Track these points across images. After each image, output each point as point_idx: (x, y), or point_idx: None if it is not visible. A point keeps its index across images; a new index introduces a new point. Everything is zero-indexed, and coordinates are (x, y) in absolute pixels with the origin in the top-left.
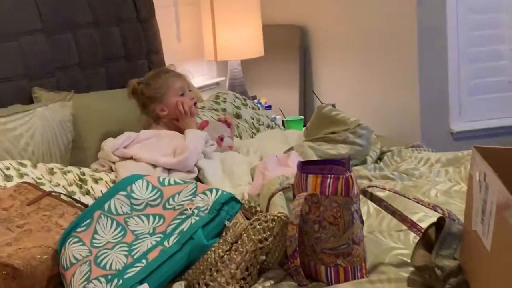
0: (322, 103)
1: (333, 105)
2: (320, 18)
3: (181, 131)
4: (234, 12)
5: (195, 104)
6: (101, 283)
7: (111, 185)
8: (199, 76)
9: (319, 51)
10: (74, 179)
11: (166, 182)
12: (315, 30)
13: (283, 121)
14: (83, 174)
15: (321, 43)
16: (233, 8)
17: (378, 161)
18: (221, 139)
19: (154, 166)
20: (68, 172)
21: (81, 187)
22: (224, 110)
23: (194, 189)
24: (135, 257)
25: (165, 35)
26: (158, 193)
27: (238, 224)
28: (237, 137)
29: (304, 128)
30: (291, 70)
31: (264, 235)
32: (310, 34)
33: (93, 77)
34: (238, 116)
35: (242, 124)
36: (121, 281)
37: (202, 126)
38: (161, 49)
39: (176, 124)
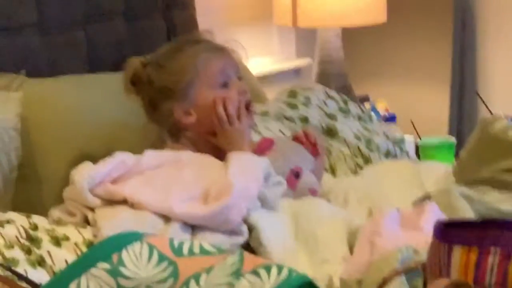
0: (492, 114)
1: None
2: None
3: (220, 154)
4: None
5: (249, 105)
6: None
7: (85, 250)
8: (263, 56)
9: (490, 13)
10: (17, 237)
11: (185, 250)
12: None
13: (417, 146)
14: (35, 227)
15: (493, 4)
16: None
17: None
18: (297, 174)
19: (167, 218)
20: (8, 223)
21: (29, 252)
22: (305, 120)
23: (238, 264)
24: None
25: None
26: (170, 269)
27: None
28: (327, 171)
29: (455, 160)
30: (437, 53)
31: None
32: None
33: (63, 49)
34: (331, 132)
35: (337, 148)
36: None
37: (263, 148)
38: (191, 0)
39: (212, 141)
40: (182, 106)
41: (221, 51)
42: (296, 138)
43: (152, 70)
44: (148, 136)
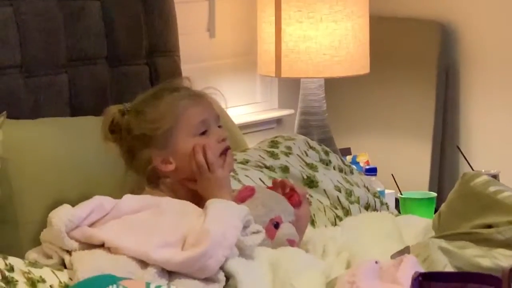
0: (472, 169)
1: (494, 176)
2: (476, 10)
3: (199, 201)
4: None
5: (226, 150)
6: None
7: None
8: (246, 105)
9: (474, 69)
10: None
11: None
12: (467, 31)
13: (397, 200)
14: (11, 269)
15: (478, 56)
16: None
17: None
18: (276, 224)
19: (144, 263)
20: None
21: None
22: (286, 169)
23: None
24: None
25: (186, 23)
26: None
27: None
28: (311, 222)
29: (435, 214)
30: (420, 107)
31: None
32: (457, 38)
33: (45, 91)
34: (311, 183)
35: (317, 200)
36: None
37: (243, 196)
38: (176, 46)
39: (192, 188)
40: (161, 154)
41: (200, 98)
42: (273, 186)
43: (131, 117)
44: (127, 184)
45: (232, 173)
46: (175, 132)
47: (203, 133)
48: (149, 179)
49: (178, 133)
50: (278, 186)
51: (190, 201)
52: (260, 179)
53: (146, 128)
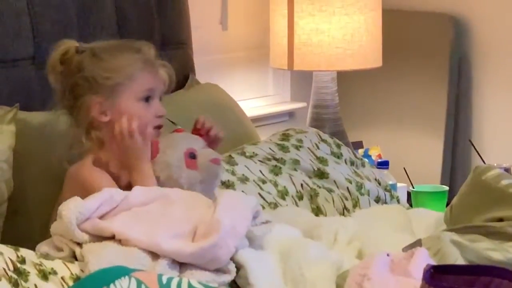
0: (484, 163)
1: (506, 169)
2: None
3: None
4: None
5: (158, 127)
6: None
7: (71, 284)
8: (258, 98)
9: (486, 62)
10: (5, 269)
11: (174, 286)
12: (480, 24)
13: (409, 193)
14: (23, 261)
15: (490, 49)
16: None
17: None
18: (192, 155)
19: (155, 255)
20: None
21: (16, 285)
22: (296, 162)
23: None
24: None
25: (199, 16)
26: None
27: None
28: (313, 212)
29: (447, 208)
30: (432, 100)
31: None
32: (469, 31)
33: None
34: (322, 175)
35: (326, 189)
36: None
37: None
38: (189, 39)
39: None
40: (102, 104)
41: (155, 66)
42: (194, 130)
43: (86, 57)
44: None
45: (230, 166)
46: (122, 88)
47: (146, 100)
48: (85, 130)
49: (125, 91)
50: (199, 128)
51: (113, 162)
52: (260, 171)
53: (98, 74)
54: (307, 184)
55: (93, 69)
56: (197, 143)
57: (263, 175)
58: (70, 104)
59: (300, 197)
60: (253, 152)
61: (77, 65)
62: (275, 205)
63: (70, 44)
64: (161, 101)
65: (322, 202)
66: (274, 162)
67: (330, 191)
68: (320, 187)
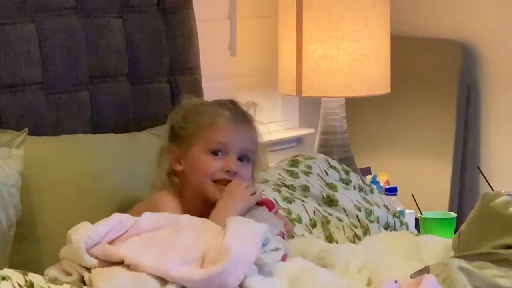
0: (492, 190)
1: None
2: (496, 30)
3: (206, 209)
4: (338, 13)
5: (223, 181)
6: None
7: None
8: (266, 124)
9: (495, 89)
10: None
11: None
12: (488, 51)
13: (417, 219)
14: (31, 285)
15: (498, 75)
16: (338, 5)
17: None
18: (282, 234)
19: (163, 281)
20: (4, 279)
21: None
22: (306, 189)
23: None
24: None
25: (208, 42)
26: None
27: None
28: (325, 240)
29: (455, 234)
30: (440, 126)
31: None
32: (478, 58)
33: (67, 108)
34: (331, 202)
35: (336, 217)
36: None
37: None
38: (197, 65)
39: (197, 196)
40: (177, 152)
41: (241, 124)
42: (264, 202)
43: (186, 112)
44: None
45: None
46: (194, 139)
47: (219, 153)
48: (167, 175)
49: (196, 143)
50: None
51: (196, 208)
52: (274, 198)
53: (179, 125)
54: (319, 211)
55: (178, 120)
56: (275, 228)
57: (277, 203)
58: (162, 149)
59: (314, 225)
60: (263, 178)
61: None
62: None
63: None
64: (243, 162)
65: (333, 229)
66: (285, 189)
67: (340, 220)
68: (330, 215)
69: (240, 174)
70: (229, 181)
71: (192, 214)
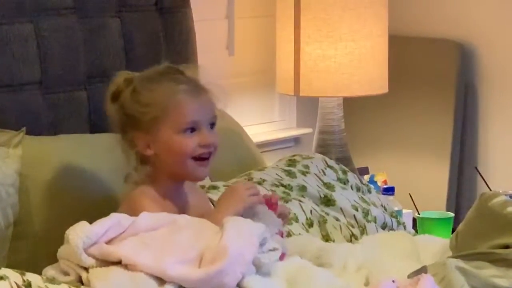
0: (490, 190)
1: None
2: (494, 30)
3: (178, 192)
4: (336, 13)
5: (203, 157)
6: None
7: None
8: (264, 124)
9: (492, 89)
10: None
11: None
12: (486, 51)
13: (414, 219)
14: (28, 285)
15: (496, 75)
16: (335, 5)
17: None
18: (281, 233)
19: (161, 281)
20: (1, 279)
21: None
22: (303, 189)
23: None
24: None
25: (205, 41)
26: None
27: None
28: (322, 239)
29: (452, 234)
30: (438, 126)
31: None
32: (476, 58)
33: (65, 107)
34: (328, 202)
35: (333, 217)
36: None
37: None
38: (195, 63)
39: (172, 173)
40: (144, 138)
41: (198, 94)
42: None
43: (127, 94)
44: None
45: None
46: (161, 122)
47: (191, 130)
48: (140, 160)
49: (163, 125)
50: (269, 200)
51: (169, 193)
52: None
53: (136, 110)
54: (316, 211)
55: (131, 107)
56: (273, 227)
57: None
58: (121, 141)
59: (310, 224)
60: (260, 178)
61: (121, 104)
62: (288, 234)
63: (121, 78)
64: (213, 129)
65: (331, 229)
66: (282, 189)
67: (337, 219)
68: (328, 215)
69: (214, 143)
70: (209, 154)
71: (168, 198)
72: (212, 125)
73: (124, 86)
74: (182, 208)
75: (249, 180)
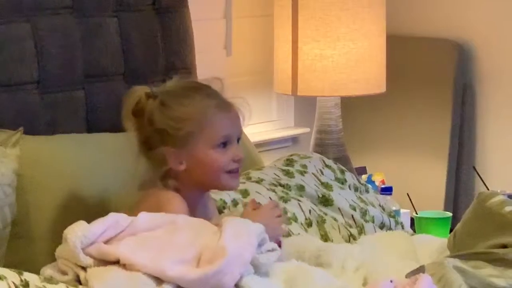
0: (487, 189)
1: (510, 196)
2: (492, 29)
3: (197, 207)
4: (334, 13)
5: (235, 171)
6: None
7: None
8: (262, 123)
9: (490, 89)
10: None
11: None
12: (484, 51)
13: (412, 219)
14: (26, 284)
15: (494, 75)
16: (333, 5)
17: None
18: (279, 242)
19: (159, 280)
20: None
21: None
22: (301, 188)
23: None
24: None
25: (203, 41)
26: None
27: None
28: (321, 239)
29: (450, 234)
30: (436, 126)
31: None
32: (474, 57)
33: (62, 107)
34: (326, 202)
35: (331, 217)
36: None
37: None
38: (193, 64)
39: (202, 186)
40: (176, 153)
41: (229, 109)
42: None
43: (155, 108)
44: (138, 173)
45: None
46: (196, 138)
47: (223, 145)
48: (161, 177)
49: (199, 140)
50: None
51: (194, 200)
52: (270, 198)
53: (169, 126)
54: (314, 211)
55: (163, 122)
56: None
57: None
58: (146, 154)
59: (309, 224)
60: (259, 178)
61: (149, 118)
62: (288, 234)
63: (140, 92)
64: (239, 143)
65: (329, 229)
66: (280, 189)
67: (335, 219)
68: (326, 214)
69: (243, 157)
70: (236, 171)
71: (192, 205)
72: (239, 139)
73: (146, 99)
74: (204, 214)
75: (247, 179)
